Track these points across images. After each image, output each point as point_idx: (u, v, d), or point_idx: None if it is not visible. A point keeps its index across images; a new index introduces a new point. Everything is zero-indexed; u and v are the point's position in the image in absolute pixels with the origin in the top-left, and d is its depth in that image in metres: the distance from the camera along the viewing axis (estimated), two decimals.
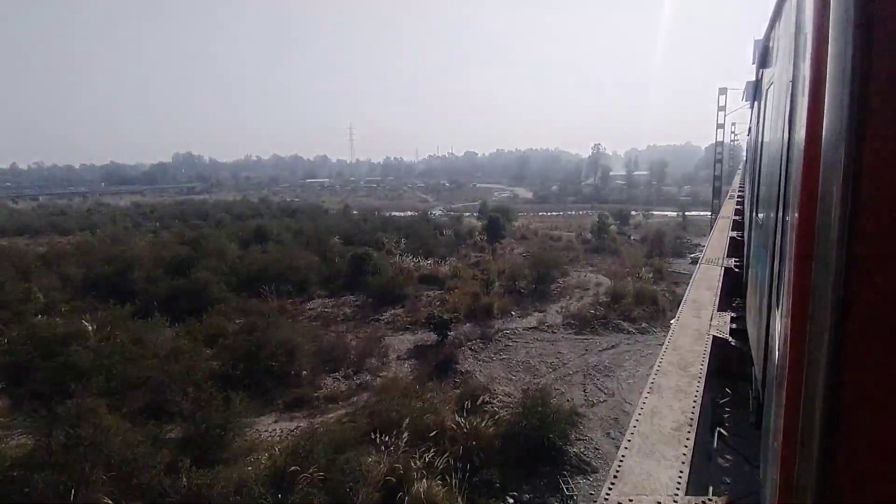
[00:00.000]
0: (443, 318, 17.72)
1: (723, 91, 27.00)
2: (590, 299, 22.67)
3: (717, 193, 27.73)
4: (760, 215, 3.09)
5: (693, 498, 2.06)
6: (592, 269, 29.31)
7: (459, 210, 73.70)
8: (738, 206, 11.33)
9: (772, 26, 2.76)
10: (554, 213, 71.79)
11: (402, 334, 19.29)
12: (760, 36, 3.34)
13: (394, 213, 61.75)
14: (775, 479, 1.03)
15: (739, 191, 15.41)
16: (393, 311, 21.76)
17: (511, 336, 18.60)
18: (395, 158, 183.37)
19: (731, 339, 3.75)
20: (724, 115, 22.12)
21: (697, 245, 37.68)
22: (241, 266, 24.64)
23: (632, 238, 41.45)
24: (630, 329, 19.14)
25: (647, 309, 20.92)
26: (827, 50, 0.77)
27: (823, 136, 0.79)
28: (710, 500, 2.07)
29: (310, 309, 22.38)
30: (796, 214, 1.02)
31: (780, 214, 1.75)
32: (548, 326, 19.44)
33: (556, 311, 21.28)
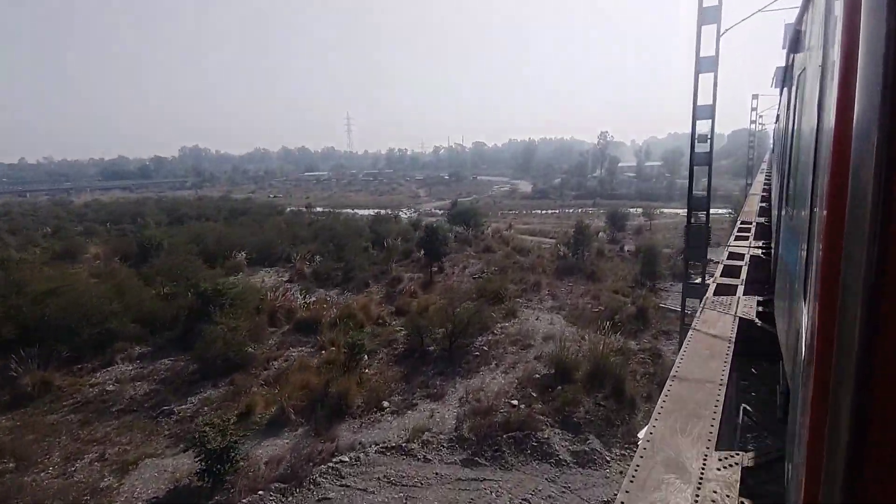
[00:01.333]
0: (206, 442, 9.64)
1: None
2: (521, 372, 14.32)
3: (696, 259, 14.15)
4: (790, 207, 2.98)
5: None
6: (552, 306, 20.80)
7: (442, 208, 65.37)
8: (763, 204, 10.77)
9: (804, 9, 2.74)
10: (551, 211, 62.88)
11: (175, 454, 11.29)
12: (792, 20, 3.31)
13: (361, 212, 53.80)
14: (801, 472, 1.01)
15: (765, 183, 12.98)
16: (208, 394, 13.82)
17: (346, 469, 10.42)
18: (399, 150, 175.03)
19: None
20: (717, 38, 11.21)
21: (709, 262, 28.72)
22: (32, 309, 16.92)
23: (626, 249, 32.63)
24: (562, 454, 10.73)
25: (603, 403, 12.52)
26: (859, 32, 0.73)
27: (854, 123, 0.74)
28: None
29: (91, 385, 14.55)
30: (826, 204, 0.98)
31: (811, 205, 1.71)
32: (422, 444, 11.18)
33: (458, 402, 13.00)
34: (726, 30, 9.98)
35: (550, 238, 39.02)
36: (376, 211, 50.34)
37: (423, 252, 25.52)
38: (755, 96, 39.29)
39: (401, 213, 54.25)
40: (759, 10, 9.51)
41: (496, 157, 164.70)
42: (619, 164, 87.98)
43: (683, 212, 49.97)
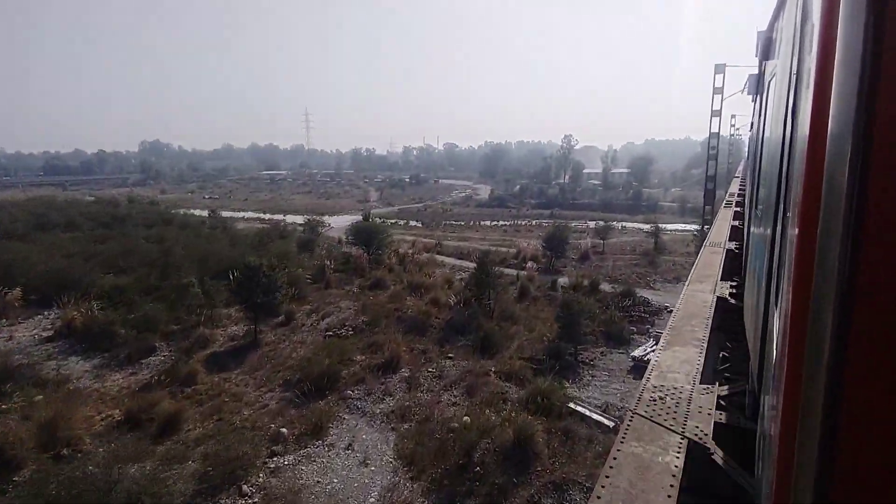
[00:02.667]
0: None
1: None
2: None
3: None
4: (760, 212, 2.97)
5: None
6: (395, 408, 12.74)
7: (382, 216, 57.17)
8: (738, 210, 10.38)
9: (776, 16, 2.76)
10: (502, 223, 55.02)
11: None
12: (764, 27, 3.36)
13: (290, 218, 45.26)
14: (772, 473, 1.03)
15: (739, 191, 12.81)
16: None
17: None
18: (367, 149, 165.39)
19: None
20: None
21: (662, 311, 20.99)
22: None
23: (560, 284, 24.86)
24: None
25: None
26: (836, 39, 0.73)
27: (829, 129, 0.75)
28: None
29: None
30: (799, 210, 0.98)
31: (781, 209, 1.70)
32: None
33: None
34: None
35: (473, 262, 31.20)
36: (268, 221, 41.71)
37: (237, 299, 17.19)
38: (720, 67, 25.95)
39: (324, 222, 45.84)
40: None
41: (468, 160, 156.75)
42: (585, 171, 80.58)
43: (647, 227, 42.79)
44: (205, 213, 50.30)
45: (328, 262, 23.93)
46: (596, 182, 74.52)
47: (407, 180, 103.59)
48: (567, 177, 75.29)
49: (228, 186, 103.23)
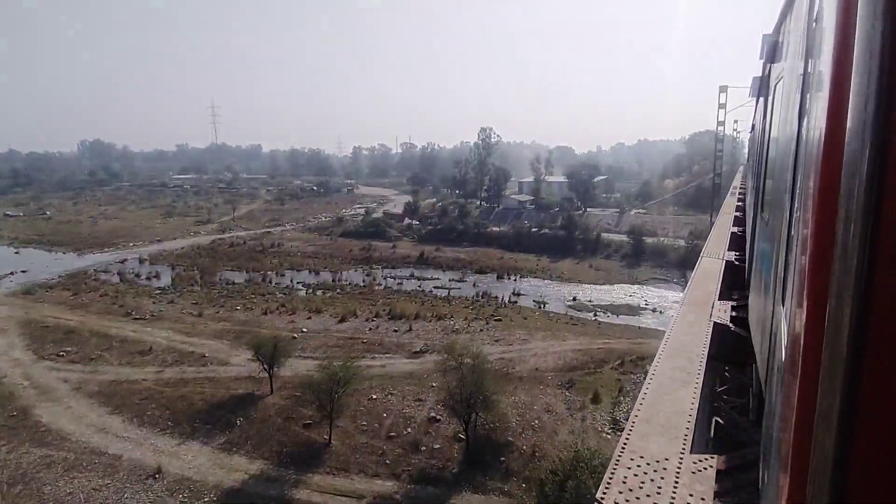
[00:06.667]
0: None
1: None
2: None
3: None
4: (766, 211, 2.87)
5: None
6: None
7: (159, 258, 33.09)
8: (740, 203, 10.27)
9: (782, 20, 2.67)
10: (306, 286, 31.38)
11: None
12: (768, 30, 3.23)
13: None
14: (784, 473, 0.98)
15: (739, 195, 13.22)
16: None
17: None
18: (310, 149, 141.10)
19: None
20: None
21: None
22: None
23: None
24: None
25: None
26: (853, 40, 0.72)
27: (847, 129, 0.73)
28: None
29: None
30: (814, 208, 0.95)
31: (791, 209, 1.62)
32: None
33: None
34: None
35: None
36: None
37: None
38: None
39: None
40: None
41: (421, 162, 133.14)
42: (523, 180, 56.33)
43: (592, 288, 20.11)
44: None
45: None
46: (526, 198, 49.91)
47: (314, 188, 79.61)
48: (483, 189, 50.91)
49: (96, 197, 79.36)
